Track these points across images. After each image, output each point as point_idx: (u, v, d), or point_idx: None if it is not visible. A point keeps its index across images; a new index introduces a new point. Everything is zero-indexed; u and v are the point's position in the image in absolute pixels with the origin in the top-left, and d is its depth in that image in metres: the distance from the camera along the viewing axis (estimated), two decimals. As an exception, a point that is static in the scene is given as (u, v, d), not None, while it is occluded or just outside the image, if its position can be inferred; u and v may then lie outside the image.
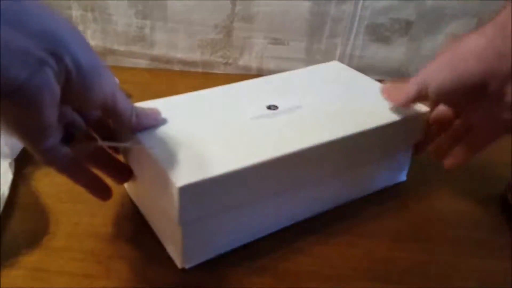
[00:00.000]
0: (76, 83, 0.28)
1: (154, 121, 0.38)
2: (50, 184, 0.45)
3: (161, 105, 0.39)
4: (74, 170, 0.34)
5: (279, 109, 0.42)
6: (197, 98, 0.43)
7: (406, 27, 0.66)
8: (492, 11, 0.63)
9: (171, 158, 0.34)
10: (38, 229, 0.40)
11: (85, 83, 0.28)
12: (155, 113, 0.38)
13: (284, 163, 0.36)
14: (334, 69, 0.52)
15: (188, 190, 0.32)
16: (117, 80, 0.35)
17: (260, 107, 0.41)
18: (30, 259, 0.37)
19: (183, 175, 0.32)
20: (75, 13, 0.64)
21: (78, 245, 0.39)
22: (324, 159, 0.39)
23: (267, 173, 0.36)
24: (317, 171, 0.40)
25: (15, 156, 0.46)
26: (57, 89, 0.27)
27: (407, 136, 0.45)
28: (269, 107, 0.42)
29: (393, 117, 0.42)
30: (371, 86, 0.47)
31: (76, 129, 0.34)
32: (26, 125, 0.28)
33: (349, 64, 0.68)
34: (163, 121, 0.38)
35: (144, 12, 0.65)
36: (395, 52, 0.68)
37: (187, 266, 0.37)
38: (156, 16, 0.65)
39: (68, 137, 0.33)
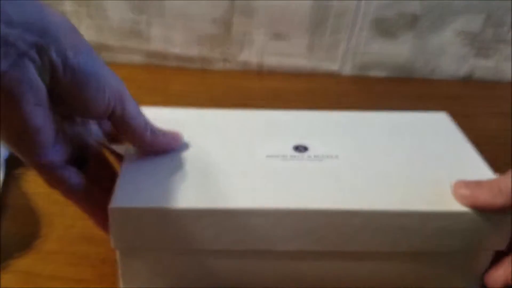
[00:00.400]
0: (65, 81, 0.26)
1: (175, 142, 0.34)
2: (42, 185, 0.43)
3: (175, 115, 0.36)
4: (82, 198, 0.32)
5: (307, 152, 0.34)
6: (225, 116, 0.39)
7: (411, 22, 0.64)
8: (499, 7, 0.63)
9: (136, 176, 0.31)
10: (30, 232, 0.39)
11: (76, 81, 0.26)
12: (175, 134, 0.34)
13: (256, 218, 0.30)
14: (433, 122, 0.40)
15: (119, 214, 0.29)
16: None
17: (286, 146, 0.35)
18: (21, 263, 0.37)
19: (125, 197, 0.30)
20: (69, 8, 0.63)
21: (71, 249, 0.38)
22: (318, 232, 0.31)
23: (225, 225, 0.30)
24: (307, 243, 0.31)
25: (6, 157, 0.44)
26: (41, 85, 0.25)
27: (479, 239, 0.32)
28: (297, 148, 0.35)
29: (458, 206, 0.31)
30: (463, 158, 0.35)
31: (90, 153, 0.31)
32: (12, 127, 0.26)
33: (353, 61, 0.67)
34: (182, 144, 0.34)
35: (140, 7, 0.63)
36: (400, 48, 0.66)
37: None
38: (152, 10, 0.64)
39: (80, 160, 0.31)
